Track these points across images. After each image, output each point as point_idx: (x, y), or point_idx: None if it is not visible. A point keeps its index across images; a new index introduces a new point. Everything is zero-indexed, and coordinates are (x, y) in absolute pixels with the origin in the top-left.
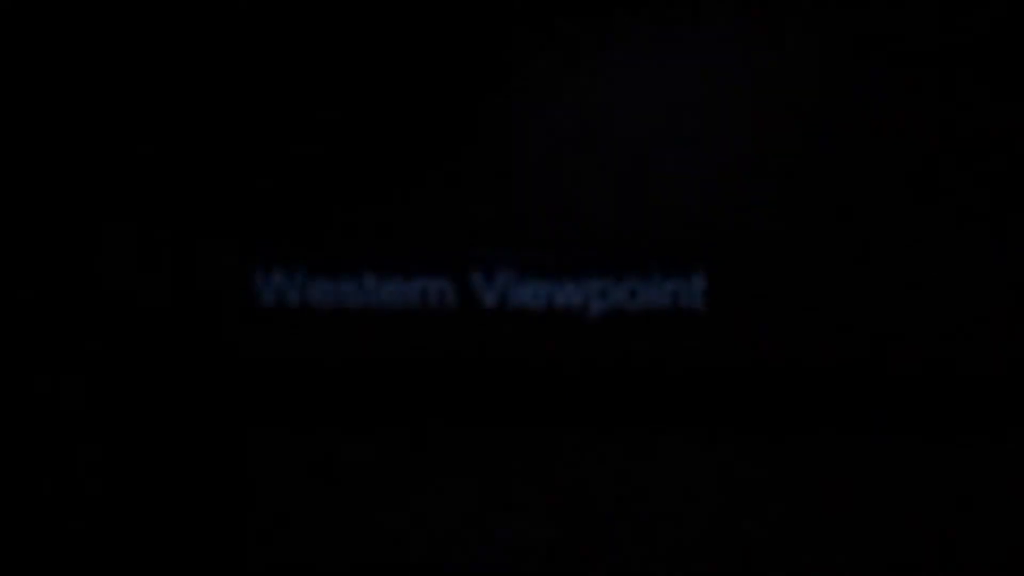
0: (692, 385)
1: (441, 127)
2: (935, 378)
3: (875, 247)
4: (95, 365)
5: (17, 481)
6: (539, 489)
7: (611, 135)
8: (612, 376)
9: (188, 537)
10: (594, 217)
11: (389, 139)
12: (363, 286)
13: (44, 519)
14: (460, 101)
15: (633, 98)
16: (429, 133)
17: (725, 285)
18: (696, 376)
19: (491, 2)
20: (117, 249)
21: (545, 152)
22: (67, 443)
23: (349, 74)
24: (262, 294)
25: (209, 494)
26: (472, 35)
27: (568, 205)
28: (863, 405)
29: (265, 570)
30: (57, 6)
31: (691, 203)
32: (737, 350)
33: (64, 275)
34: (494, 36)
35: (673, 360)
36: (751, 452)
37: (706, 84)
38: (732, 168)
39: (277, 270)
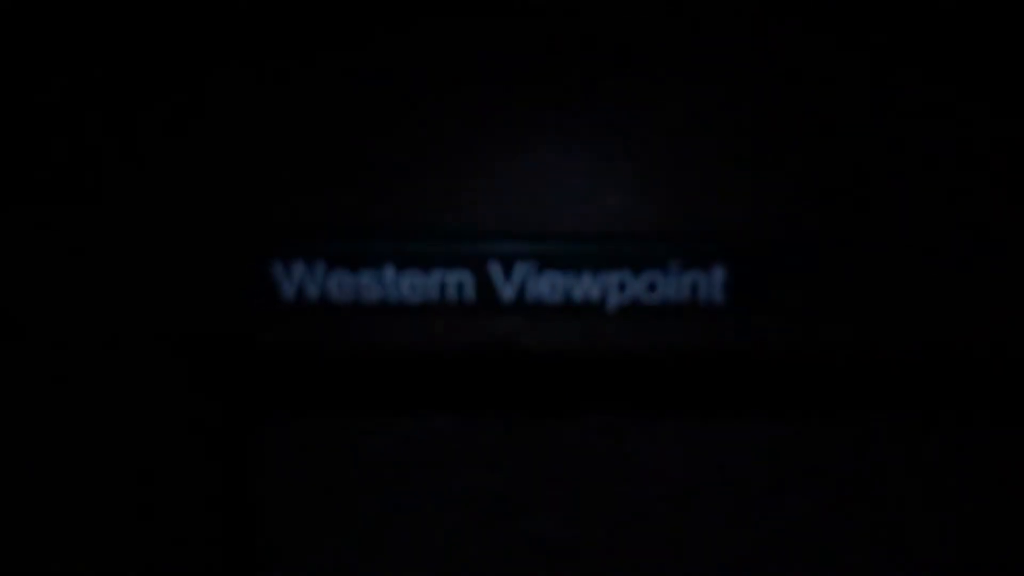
0: (712, 377)
1: (460, 121)
2: (955, 366)
3: (895, 238)
4: (116, 360)
5: (33, 471)
6: (557, 480)
7: (629, 127)
8: (631, 369)
9: (203, 528)
10: (612, 209)
11: (408, 132)
12: (382, 279)
13: (62, 507)
14: (478, 93)
15: (650, 91)
16: (447, 126)
17: (745, 277)
18: (716, 368)
19: None
20: (136, 243)
21: (563, 145)
22: (89, 435)
23: (367, 67)
24: (282, 288)
25: (228, 486)
26: (488, 27)
27: (586, 197)
28: (884, 394)
29: (279, 563)
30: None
31: (710, 195)
32: (757, 342)
33: (83, 269)
34: (509, 28)
35: (693, 353)
36: (772, 443)
37: (726, 75)
38: (751, 159)
39: (297, 264)
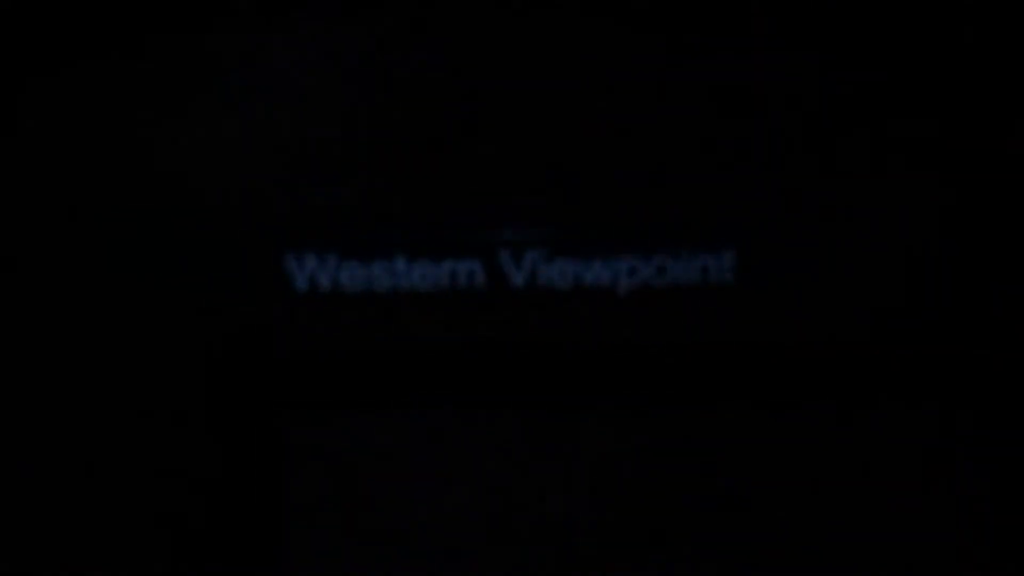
0: (723, 361)
1: (468, 108)
2: (962, 351)
3: (907, 222)
4: (127, 356)
5: (44, 471)
6: (572, 467)
7: (638, 112)
8: (642, 354)
9: (222, 525)
10: (622, 194)
11: (415, 121)
12: (393, 269)
13: (73, 506)
14: (486, 82)
15: (659, 74)
16: (455, 114)
17: (756, 260)
18: (727, 352)
19: None
20: (146, 237)
21: (572, 130)
22: (101, 432)
23: (373, 58)
24: (295, 279)
25: (245, 480)
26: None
27: (595, 183)
28: (895, 379)
29: (300, 554)
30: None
31: (720, 177)
32: (769, 325)
33: (92, 266)
34: (517, 15)
35: (704, 336)
36: (783, 427)
37: (733, 59)
38: (761, 142)
39: (309, 255)
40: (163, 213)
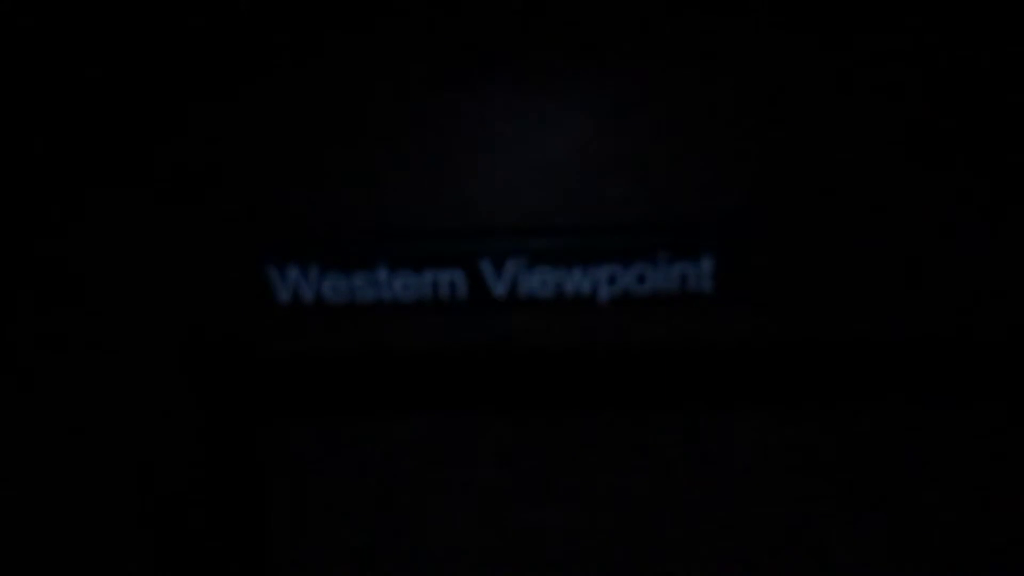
0: (702, 367)
1: (447, 119)
2: (944, 354)
3: (883, 226)
4: (111, 365)
5: (29, 479)
6: (552, 474)
7: (615, 122)
8: (623, 360)
9: (206, 531)
10: (600, 203)
11: (396, 132)
12: (375, 280)
13: (62, 517)
14: (463, 92)
15: (635, 86)
16: (435, 125)
17: (734, 267)
18: (706, 358)
19: None
20: (131, 249)
21: (550, 139)
22: (84, 441)
23: (356, 68)
24: (278, 291)
25: (226, 490)
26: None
27: (574, 191)
28: (872, 383)
29: (284, 560)
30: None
31: (697, 185)
32: (747, 331)
33: (78, 275)
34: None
35: (683, 343)
36: (762, 432)
37: (713, 69)
38: (738, 149)
39: (291, 267)
40: (149, 226)
